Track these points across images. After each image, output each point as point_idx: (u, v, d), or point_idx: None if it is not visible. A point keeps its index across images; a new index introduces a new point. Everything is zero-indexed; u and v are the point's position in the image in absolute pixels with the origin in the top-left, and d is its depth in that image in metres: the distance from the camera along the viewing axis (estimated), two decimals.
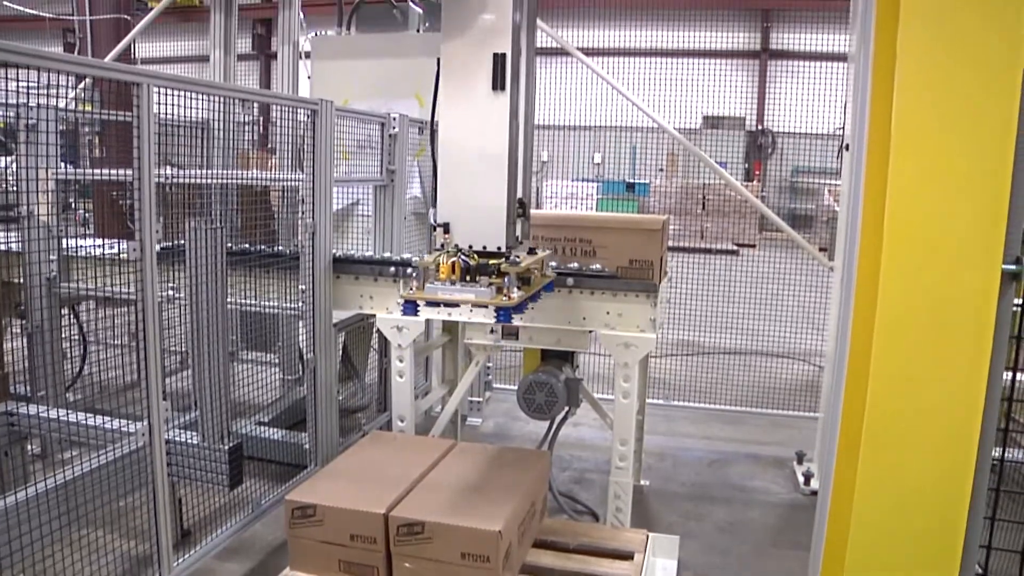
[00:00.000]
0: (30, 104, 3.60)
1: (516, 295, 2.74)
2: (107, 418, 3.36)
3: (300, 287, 3.86)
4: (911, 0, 1.55)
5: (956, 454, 1.55)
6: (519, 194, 2.95)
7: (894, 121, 1.52)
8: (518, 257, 2.88)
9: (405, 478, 3.16)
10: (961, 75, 1.51)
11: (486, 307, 2.95)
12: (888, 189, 1.47)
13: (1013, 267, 1.53)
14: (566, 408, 3.95)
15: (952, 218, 1.45)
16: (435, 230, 2.91)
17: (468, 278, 2.76)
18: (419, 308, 2.88)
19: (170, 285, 3.50)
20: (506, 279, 2.74)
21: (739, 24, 19.78)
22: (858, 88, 1.84)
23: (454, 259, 2.76)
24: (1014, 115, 1.49)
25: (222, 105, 4.47)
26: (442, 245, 2.85)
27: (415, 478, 3.18)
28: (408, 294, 2.81)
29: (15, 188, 4.02)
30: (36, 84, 2.67)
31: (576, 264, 3.76)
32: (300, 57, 6.30)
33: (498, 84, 2.73)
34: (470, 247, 2.83)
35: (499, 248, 2.83)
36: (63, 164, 4.56)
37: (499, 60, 2.72)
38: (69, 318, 4.72)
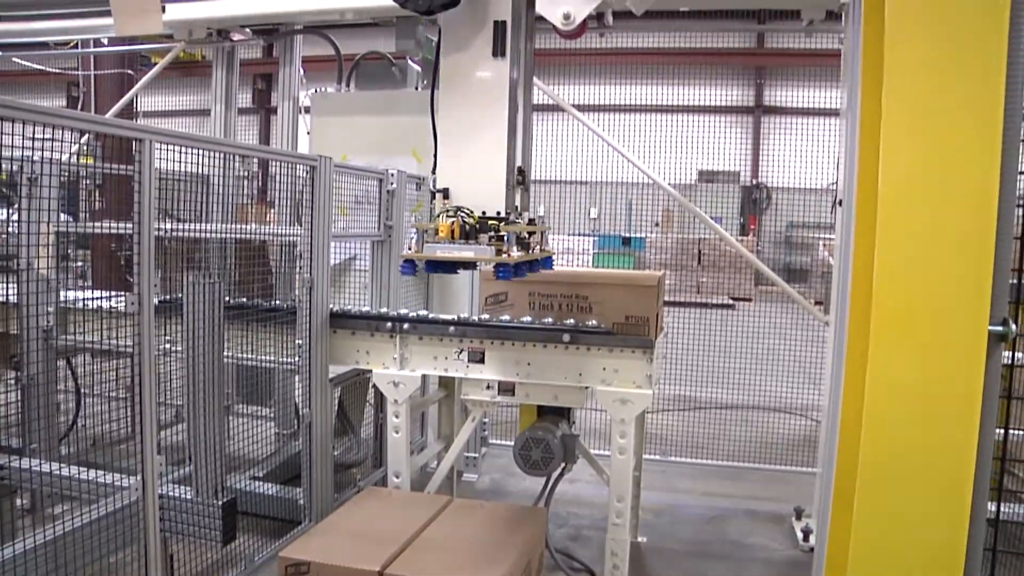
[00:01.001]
0: (33, 158, 3.65)
1: (516, 254, 2.75)
2: (100, 472, 3.34)
3: (297, 341, 3.87)
4: (895, 58, 1.59)
5: (950, 513, 1.55)
6: (518, 162, 2.96)
7: (881, 181, 1.56)
8: (517, 221, 2.90)
9: (400, 535, 3.13)
10: (944, 133, 1.55)
11: (486, 263, 2.93)
12: (876, 249, 1.50)
13: (1000, 328, 1.55)
14: (562, 464, 3.93)
15: (938, 280, 1.47)
16: (434, 197, 2.93)
17: (467, 239, 2.77)
18: (417, 267, 2.88)
19: (166, 338, 3.51)
20: (506, 237, 2.74)
21: (733, 80, 20.12)
22: (848, 144, 1.88)
23: (453, 219, 2.76)
24: (995, 174, 1.52)
25: (222, 160, 4.53)
26: (444, 212, 2.87)
27: (410, 535, 3.15)
28: (407, 253, 2.81)
29: (16, 240, 4.04)
30: (40, 138, 2.71)
31: (572, 320, 3.78)
32: (300, 112, 6.39)
33: (498, 51, 2.77)
34: (470, 210, 2.84)
35: (498, 213, 2.85)
36: (63, 215, 4.60)
37: (499, 27, 2.75)
38: (65, 370, 4.71)
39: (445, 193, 2.89)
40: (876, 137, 1.61)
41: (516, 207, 2.99)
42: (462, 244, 2.77)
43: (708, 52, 18.30)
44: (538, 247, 3.17)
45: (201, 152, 3.20)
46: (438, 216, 2.84)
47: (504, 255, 2.75)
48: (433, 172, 3.06)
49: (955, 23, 1.56)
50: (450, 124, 2.98)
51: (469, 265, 3.09)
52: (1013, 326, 1.61)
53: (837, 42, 4.74)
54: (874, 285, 1.48)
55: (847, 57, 1.82)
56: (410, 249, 2.83)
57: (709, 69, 17.95)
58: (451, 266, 2.95)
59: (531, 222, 3.13)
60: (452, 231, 2.77)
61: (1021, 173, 1.72)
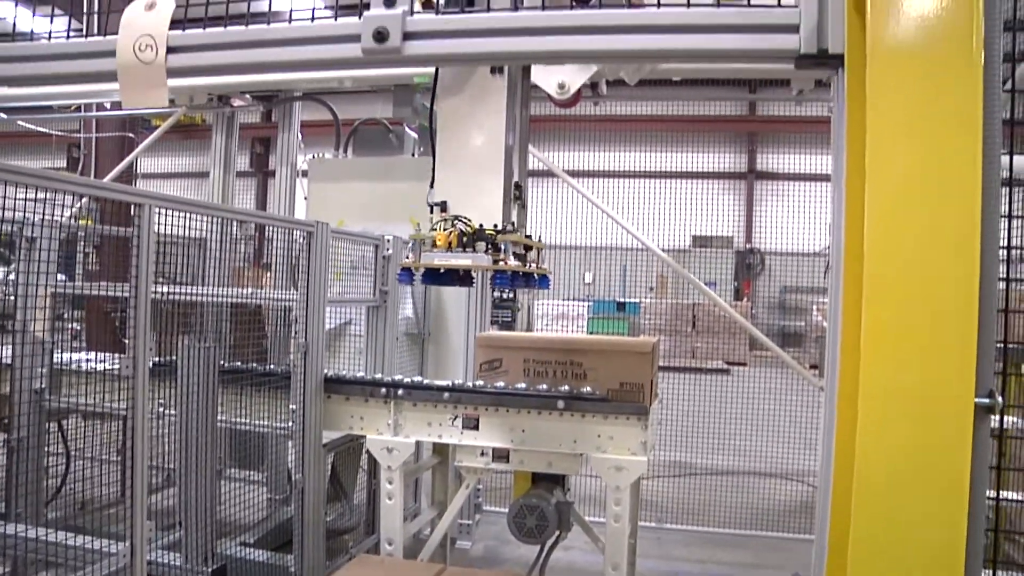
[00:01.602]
0: (32, 221, 3.68)
1: (512, 262, 2.72)
2: (87, 537, 3.29)
3: (291, 406, 3.86)
4: (876, 130, 1.63)
5: None
6: (515, 177, 2.96)
7: (866, 253, 1.59)
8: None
9: None
10: (925, 206, 1.59)
11: (483, 270, 2.92)
12: (863, 321, 1.52)
13: (986, 400, 1.57)
14: (557, 532, 3.89)
15: (923, 354, 1.49)
16: (432, 210, 2.90)
17: (465, 249, 2.75)
18: (414, 276, 2.86)
19: (159, 401, 3.50)
20: (503, 247, 2.73)
21: (726, 146, 20.43)
22: (835, 216, 1.92)
23: (451, 229, 2.74)
24: (976, 246, 1.55)
25: (220, 224, 4.57)
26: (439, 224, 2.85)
27: None
28: (405, 262, 2.79)
29: (11, 300, 4.04)
30: (40, 199, 2.74)
31: (567, 387, 3.78)
32: (297, 176, 6.46)
33: (495, 69, 2.78)
34: (468, 219, 2.82)
35: (495, 226, 2.83)
36: (59, 276, 4.62)
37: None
38: (57, 433, 4.67)
39: (443, 206, 2.89)
40: (860, 201, 1.65)
41: (513, 223, 2.99)
42: (459, 252, 2.76)
43: (701, 119, 18.63)
44: (535, 264, 3.14)
45: (200, 217, 3.24)
46: (435, 226, 2.83)
47: (501, 262, 2.73)
48: (431, 187, 3.05)
49: (933, 95, 1.61)
50: (448, 133, 3.00)
51: (467, 279, 3.06)
52: (999, 398, 1.63)
53: (827, 110, 4.84)
54: (861, 358, 1.50)
55: (834, 126, 1.88)
56: (408, 258, 2.81)
57: (702, 135, 18.24)
58: (448, 278, 2.92)
59: (528, 237, 3.13)
60: (449, 241, 2.76)
61: (1002, 247, 1.76)
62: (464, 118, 2.85)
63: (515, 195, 3.02)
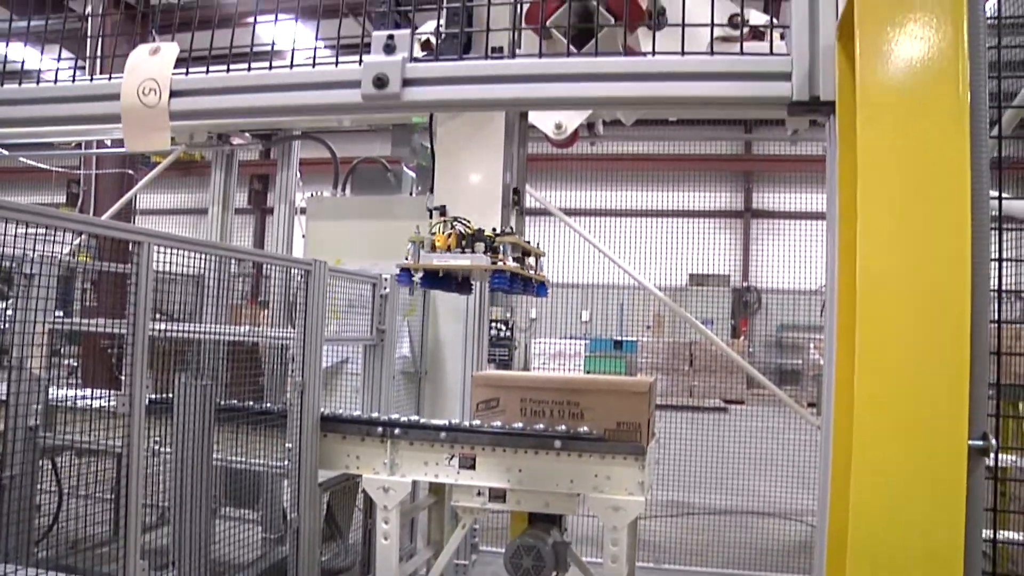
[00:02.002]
0: (32, 258, 3.69)
1: (512, 263, 2.71)
2: None
3: (286, 445, 3.84)
4: (868, 173, 1.66)
5: None
6: (513, 183, 2.96)
7: (858, 296, 1.61)
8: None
9: None
10: (917, 249, 1.61)
11: (483, 272, 2.86)
12: (856, 364, 1.54)
13: (980, 443, 1.58)
14: (554, 572, 3.86)
15: (915, 397, 1.51)
16: (431, 215, 2.88)
17: (463, 249, 2.73)
18: (413, 277, 2.82)
19: (155, 438, 3.48)
20: (502, 248, 2.71)
21: (722, 185, 20.56)
22: (829, 251, 1.94)
23: (450, 231, 2.73)
24: (966, 288, 1.57)
25: (218, 262, 4.59)
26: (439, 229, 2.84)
27: None
28: (403, 263, 2.76)
29: (10, 336, 4.04)
30: (39, 236, 2.75)
31: (564, 426, 3.78)
32: (296, 213, 6.49)
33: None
34: (467, 220, 2.80)
35: (494, 229, 2.81)
36: (57, 312, 4.62)
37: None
38: (52, 470, 4.64)
39: (442, 211, 2.88)
40: (852, 238, 1.67)
41: (511, 228, 2.98)
42: (458, 253, 2.74)
43: (697, 158, 18.78)
44: (533, 272, 3.12)
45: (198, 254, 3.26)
46: (434, 229, 2.82)
47: (500, 262, 2.71)
48: (430, 192, 3.05)
49: (922, 140, 1.64)
50: (447, 142, 3.00)
51: (465, 286, 3.05)
52: (993, 440, 1.64)
53: (821, 148, 4.90)
54: (854, 401, 1.51)
55: (828, 170, 1.91)
56: (407, 259, 2.79)
57: (698, 174, 18.37)
58: (448, 283, 2.91)
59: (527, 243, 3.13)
60: (449, 243, 2.74)
61: (993, 291, 1.78)
62: (462, 124, 2.87)
63: (513, 200, 3.01)
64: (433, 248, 2.78)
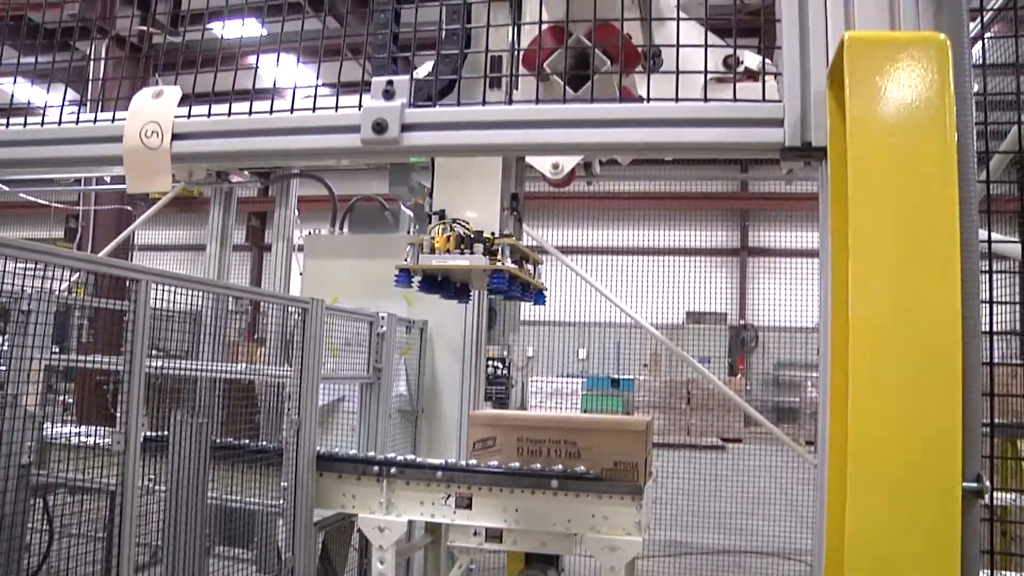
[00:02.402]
0: (29, 295, 3.69)
1: (511, 265, 2.71)
2: None
3: (282, 483, 3.83)
4: (858, 208, 1.69)
5: None
6: (512, 189, 2.98)
7: (851, 341, 1.63)
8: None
9: None
10: (908, 291, 1.63)
11: (482, 275, 2.87)
12: (849, 407, 1.55)
13: (974, 485, 1.59)
14: None
15: (908, 440, 1.52)
16: (430, 220, 2.89)
17: (462, 251, 2.73)
18: (413, 278, 2.83)
19: (149, 476, 3.47)
20: (501, 250, 2.71)
21: (719, 223, 20.68)
22: (822, 292, 1.96)
23: (449, 232, 2.73)
24: (957, 331, 1.59)
25: (215, 300, 4.60)
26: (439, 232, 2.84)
27: None
28: (402, 264, 2.76)
29: (5, 372, 4.03)
30: (38, 274, 2.76)
31: (561, 466, 3.77)
32: (293, 250, 6.52)
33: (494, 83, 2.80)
34: (466, 222, 2.80)
35: (493, 233, 2.81)
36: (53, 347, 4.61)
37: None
38: (44, 509, 4.60)
39: (441, 214, 2.89)
40: (844, 278, 1.70)
41: (510, 232, 2.99)
42: (456, 255, 2.73)
43: (693, 196, 18.91)
44: (531, 278, 3.13)
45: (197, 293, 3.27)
46: (433, 231, 2.82)
47: (499, 263, 2.71)
48: (429, 196, 3.07)
49: (911, 185, 1.67)
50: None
51: (464, 293, 3.06)
52: (987, 482, 1.64)
53: (816, 187, 4.94)
54: (848, 445, 1.52)
55: (821, 214, 1.94)
56: (406, 261, 2.80)
57: (695, 212, 18.50)
58: (447, 288, 2.93)
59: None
60: (448, 245, 2.75)
61: (985, 333, 1.80)
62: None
63: (512, 206, 3.03)
64: (432, 250, 2.78)
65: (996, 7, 3.06)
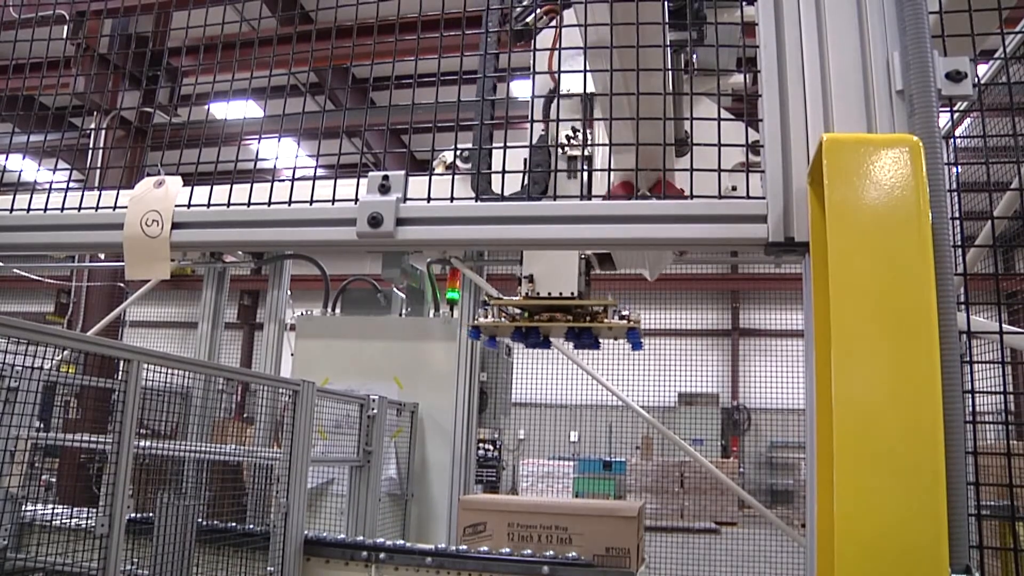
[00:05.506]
0: (19, 374, 3.68)
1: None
2: None
3: (268, 568, 3.77)
4: (839, 304, 1.73)
5: None
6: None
7: (835, 432, 1.65)
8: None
9: None
10: (889, 377, 1.67)
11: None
12: (834, 494, 1.57)
13: None
14: None
15: (893, 534, 1.53)
16: (520, 283, 3.24)
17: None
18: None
19: (132, 560, 3.41)
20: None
21: (710, 304, 20.80)
22: (808, 379, 2.00)
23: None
24: (939, 420, 1.62)
25: (205, 380, 4.61)
26: (526, 294, 3.21)
27: None
28: (483, 322, 3.22)
29: None
30: (28, 353, 2.76)
31: (552, 552, 3.73)
32: (285, 329, 6.54)
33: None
34: (548, 294, 3.19)
35: (572, 293, 3.17)
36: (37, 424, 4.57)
37: None
38: None
39: (530, 278, 3.20)
40: (827, 358, 1.73)
41: (582, 291, 3.32)
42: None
43: (684, 277, 19.05)
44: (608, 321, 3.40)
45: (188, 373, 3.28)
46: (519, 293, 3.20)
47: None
48: (520, 263, 3.34)
49: (888, 282, 1.73)
50: None
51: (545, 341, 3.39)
52: (976, 573, 1.65)
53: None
54: (834, 542, 1.53)
55: (805, 306, 1.98)
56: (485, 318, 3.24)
57: (685, 293, 18.62)
58: (533, 336, 3.26)
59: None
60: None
61: (968, 421, 1.83)
62: None
63: (586, 270, 3.37)
64: (523, 309, 3.23)
65: (963, 108, 3.19)
